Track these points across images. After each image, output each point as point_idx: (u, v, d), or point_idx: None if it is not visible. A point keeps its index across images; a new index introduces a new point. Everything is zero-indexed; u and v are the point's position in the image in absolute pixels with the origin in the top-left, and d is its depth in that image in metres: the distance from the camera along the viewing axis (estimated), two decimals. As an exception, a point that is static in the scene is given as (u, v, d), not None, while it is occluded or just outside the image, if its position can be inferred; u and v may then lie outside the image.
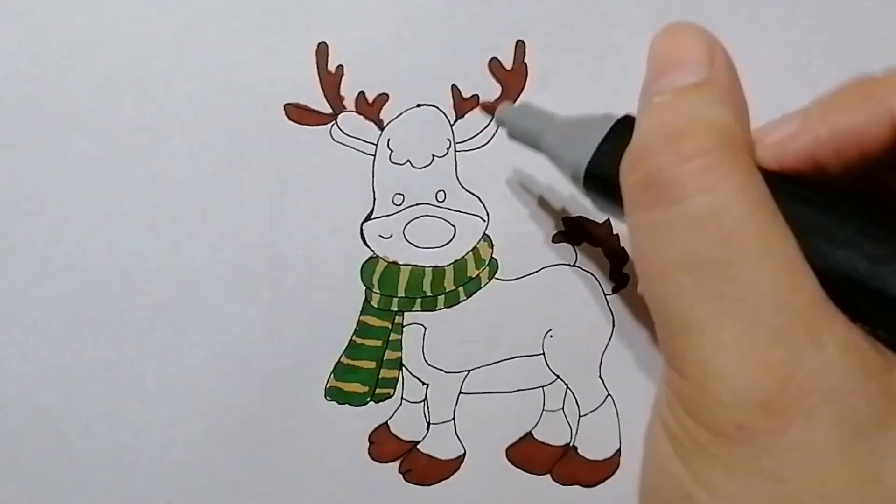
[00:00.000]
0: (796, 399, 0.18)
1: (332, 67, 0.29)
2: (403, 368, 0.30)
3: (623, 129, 0.22)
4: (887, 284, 0.18)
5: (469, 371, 0.30)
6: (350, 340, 0.30)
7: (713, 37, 0.21)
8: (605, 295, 0.30)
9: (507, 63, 0.29)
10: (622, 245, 0.30)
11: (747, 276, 0.18)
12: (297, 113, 0.29)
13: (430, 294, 0.30)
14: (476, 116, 0.30)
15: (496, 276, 0.30)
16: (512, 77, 0.29)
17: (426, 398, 0.30)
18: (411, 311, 0.30)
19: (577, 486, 0.30)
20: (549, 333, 0.30)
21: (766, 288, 0.18)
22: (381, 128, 0.29)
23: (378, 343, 0.30)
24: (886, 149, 0.20)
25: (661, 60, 0.21)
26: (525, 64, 0.29)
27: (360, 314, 0.30)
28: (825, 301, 0.18)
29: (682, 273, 0.19)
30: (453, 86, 0.29)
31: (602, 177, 0.23)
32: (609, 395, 0.30)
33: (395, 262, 0.30)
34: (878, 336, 0.19)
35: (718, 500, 0.18)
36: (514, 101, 0.29)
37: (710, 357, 0.18)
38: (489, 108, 0.29)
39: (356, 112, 0.29)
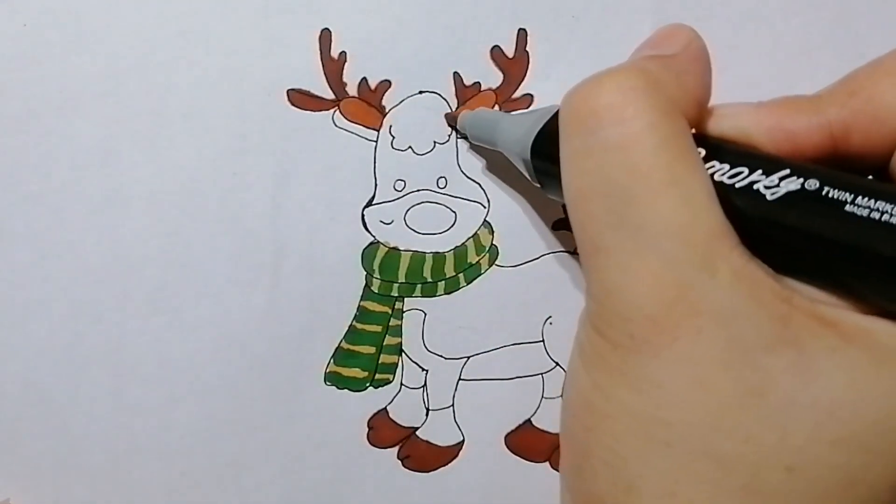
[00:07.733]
0: (685, 317, 0.19)
1: (335, 54, 0.29)
2: (403, 354, 0.30)
3: None
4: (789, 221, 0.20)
5: (468, 357, 0.30)
6: (350, 325, 0.30)
7: (696, 33, 0.23)
8: (604, 283, 0.30)
9: (509, 51, 0.29)
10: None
11: (648, 205, 0.19)
12: (300, 98, 0.29)
13: (430, 280, 0.30)
14: (478, 104, 0.30)
15: (496, 262, 0.30)
16: (513, 65, 0.30)
17: (425, 384, 0.30)
18: (411, 296, 0.30)
19: (575, 474, 0.30)
20: (549, 321, 0.30)
21: (665, 218, 0.19)
22: (384, 114, 0.29)
23: (378, 328, 0.30)
24: (820, 154, 0.21)
25: (643, 44, 0.23)
26: (527, 52, 0.30)
27: (361, 299, 0.30)
28: (726, 234, 0.19)
29: (595, 200, 0.20)
30: (455, 73, 0.29)
31: (545, 154, 0.24)
32: (608, 382, 0.30)
33: (395, 248, 0.30)
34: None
35: (611, 404, 0.20)
36: (515, 90, 0.30)
37: (612, 276, 0.20)
38: (451, 118, 0.29)
39: (359, 98, 0.29)
